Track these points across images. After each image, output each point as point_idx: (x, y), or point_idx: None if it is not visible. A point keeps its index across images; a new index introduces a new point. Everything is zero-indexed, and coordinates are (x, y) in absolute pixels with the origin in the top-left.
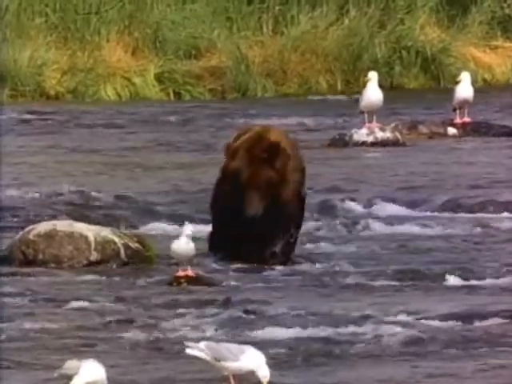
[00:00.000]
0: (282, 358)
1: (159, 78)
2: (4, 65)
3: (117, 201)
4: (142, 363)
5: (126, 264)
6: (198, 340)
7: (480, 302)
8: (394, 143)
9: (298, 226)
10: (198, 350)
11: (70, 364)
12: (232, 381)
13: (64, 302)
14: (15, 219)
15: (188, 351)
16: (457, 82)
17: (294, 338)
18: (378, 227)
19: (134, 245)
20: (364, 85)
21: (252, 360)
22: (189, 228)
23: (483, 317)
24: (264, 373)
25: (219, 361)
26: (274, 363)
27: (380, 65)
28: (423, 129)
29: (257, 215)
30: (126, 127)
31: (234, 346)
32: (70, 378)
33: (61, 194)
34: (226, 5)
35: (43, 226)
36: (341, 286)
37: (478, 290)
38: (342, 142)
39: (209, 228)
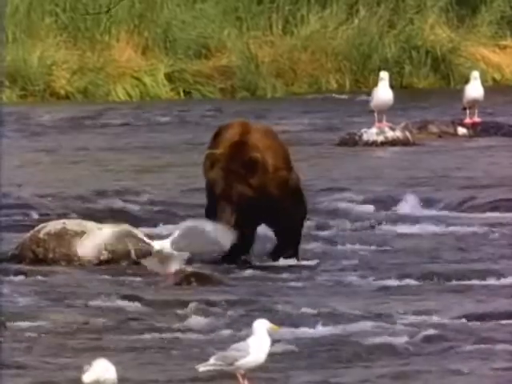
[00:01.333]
0: (290, 357)
1: (169, 78)
2: (14, 64)
3: (126, 200)
4: (152, 362)
5: (136, 263)
6: (207, 340)
7: (492, 302)
8: (404, 143)
9: (295, 222)
10: (209, 366)
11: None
12: (240, 379)
13: (74, 301)
14: (25, 218)
15: (201, 369)
16: (466, 81)
17: (302, 336)
18: (387, 226)
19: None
20: (375, 84)
21: (260, 347)
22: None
23: (495, 316)
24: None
25: (232, 364)
26: (282, 362)
27: (390, 64)
28: (433, 128)
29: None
30: (135, 126)
31: (238, 344)
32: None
33: (70, 193)
34: (236, 4)
35: (53, 225)
36: (349, 286)
37: (490, 289)
38: (351, 142)
39: None
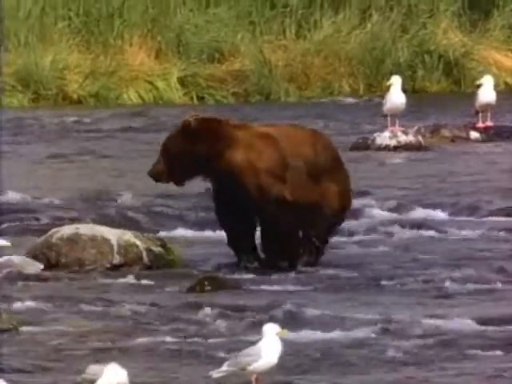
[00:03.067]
0: (304, 360)
1: (182, 82)
2: (26, 69)
3: (139, 204)
4: (165, 367)
5: (149, 268)
6: (221, 344)
7: (501, 306)
8: (417, 147)
9: (284, 232)
10: (222, 372)
11: (93, 368)
12: (255, 383)
13: (86, 306)
14: (38, 222)
15: (214, 376)
16: (478, 86)
17: (317, 340)
18: (401, 230)
19: (157, 248)
20: (387, 89)
21: (272, 349)
22: None
23: (501, 320)
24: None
25: (245, 369)
26: (296, 365)
27: (403, 69)
28: (446, 132)
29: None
30: (147, 131)
31: (250, 349)
32: (92, 382)
33: (83, 198)
34: (249, 9)
35: (66, 230)
36: (362, 290)
37: (500, 293)
38: (364, 146)
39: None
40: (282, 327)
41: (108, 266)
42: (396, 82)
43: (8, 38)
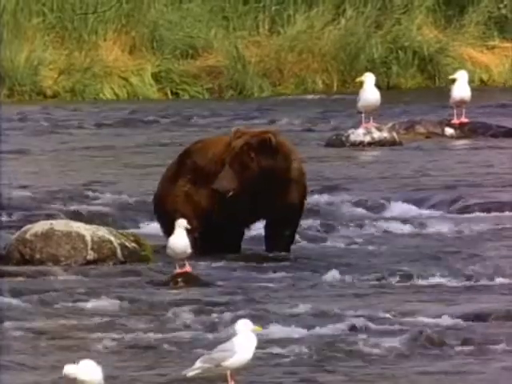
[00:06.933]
0: (282, 358)
1: (156, 78)
2: (1, 65)
3: (113, 200)
4: (139, 363)
5: (123, 263)
6: (194, 340)
7: (488, 302)
8: (391, 143)
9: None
10: (196, 369)
11: (67, 365)
12: (230, 379)
13: (60, 302)
14: (12, 218)
15: (188, 374)
16: (453, 81)
17: (292, 337)
18: (375, 227)
19: (131, 244)
20: (360, 85)
21: (246, 345)
22: (183, 223)
23: (490, 316)
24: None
25: (219, 365)
26: (274, 362)
27: (377, 65)
28: (420, 129)
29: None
30: (122, 127)
31: (224, 345)
32: (68, 379)
33: (57, 194)
34: (223, 4)
35: (40, 226)
36: (338, 285)
37: (485, 289)
38: (338, 142)
39: None
40: (256, 324)
41: (82, 261)
42: (368, 78)
43: None
